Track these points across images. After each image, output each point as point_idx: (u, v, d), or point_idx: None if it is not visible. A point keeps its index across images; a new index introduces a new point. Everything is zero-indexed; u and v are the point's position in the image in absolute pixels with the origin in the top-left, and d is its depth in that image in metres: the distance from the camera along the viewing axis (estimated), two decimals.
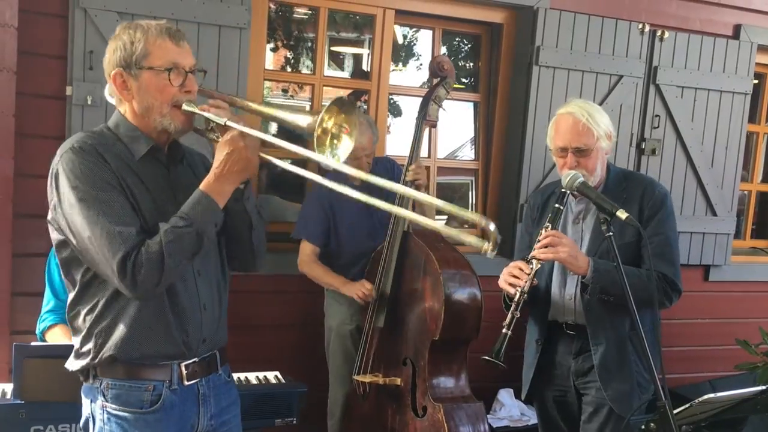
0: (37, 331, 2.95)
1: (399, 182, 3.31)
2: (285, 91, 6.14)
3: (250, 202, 1.97)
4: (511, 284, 2.50)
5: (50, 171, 1.83)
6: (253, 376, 3.15)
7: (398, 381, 3.09)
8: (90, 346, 1.86)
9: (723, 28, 4.36)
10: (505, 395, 3.95)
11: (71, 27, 3.15)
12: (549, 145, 2.68)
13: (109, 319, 1.84)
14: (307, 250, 3.40)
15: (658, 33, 4.14)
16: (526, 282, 2.44)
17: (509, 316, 2.46)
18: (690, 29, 4.27)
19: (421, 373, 3.03)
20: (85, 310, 1.87)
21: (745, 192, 4.82)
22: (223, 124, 1.82)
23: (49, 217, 1.86)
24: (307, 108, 4.31)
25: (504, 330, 2.45)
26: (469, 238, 1.58)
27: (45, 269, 2.97)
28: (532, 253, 2.48)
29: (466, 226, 4.45)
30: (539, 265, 2.48)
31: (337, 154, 1.82)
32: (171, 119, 1.87)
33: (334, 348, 3.46)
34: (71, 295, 1.90)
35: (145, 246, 1.73)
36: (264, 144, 1.88)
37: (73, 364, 1.93)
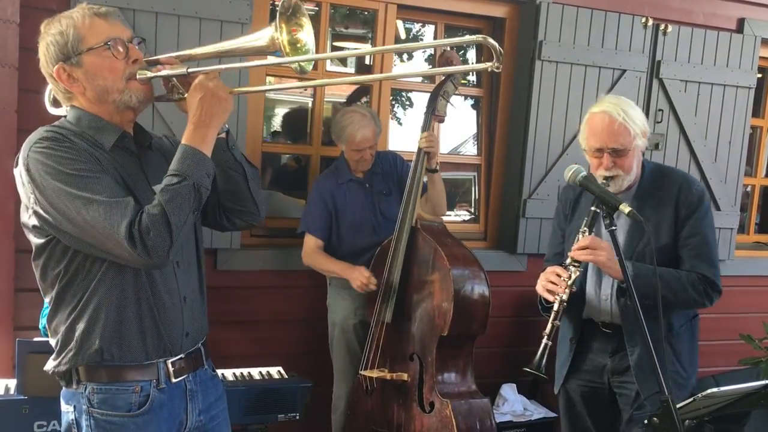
0: (40, 326, 2.96)
1: (404, 177, 3.31)
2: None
3: (236, 151, 1.92)
4: (549, 291, 2.45)
5: (18, 170, 1.74)
6: (256, 372, 3.16)
7: (405, 376, 3.09)
8: (71, 347, 1.79)
9: (726, 22, 4.34)
10: (508, 390, 3.95)
11: None
12: (582, 145, 2.61)
13: (91, 319, 1.77)
14: (311, 243, 3.40)
15: (662, 27, 4.12)
16: (565, 290, 2.39)
17: (549, 325, 2.41)
18: (693, 23, 4.25)
19: (428, 369, 3.03)
20: (65, 312, 1.80)
21: (749, 186, 4.81)
22: (185, 73, 1.77)
23: (25, 218, 1.77)
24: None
25: (544, 341, 2.40)
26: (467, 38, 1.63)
27: None
28: (570, 254, 2.43)
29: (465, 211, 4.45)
30: (578, 273, 2.42)
31: (303, 52, 1.77)
32: (130, 92, 1.79)
33: (337, 343, 3.46)
34: (48, 297, 1.82)
35: (145, 212, 1.66)
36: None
37: (51, 365, 1.85)
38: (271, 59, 1.81)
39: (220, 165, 1.89)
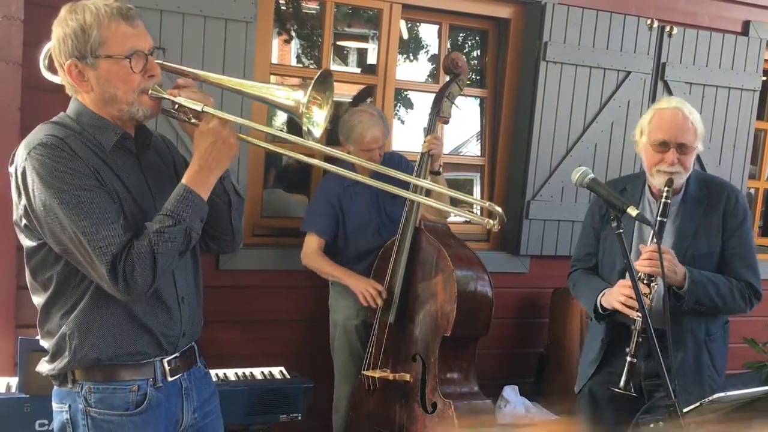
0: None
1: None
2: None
3: (227, 181, 1.91)
4: (629, 306, 2.42)
5: (14, 169, 1.72)
6: (258, 372, 3.15)
7: (408, 377, 3.08)
8: (67, 348, 1.76)
9: (732, 24, 4.33)
10: (510, 392, 3.94)
11: None
12: (640, 139, 2.57)
13: (87, 320, 1.74)
14: (312, 243, 3.38)
15: (667, 29, 4.11)
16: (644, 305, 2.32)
17: (632, 344, 2.39)
18: (698, 25, 4.24)
19: (431, 370, 3.02)
20: (60, 313, 1.77)
21: (753, 190, 4.80)
22: (200, 110, 1.76)
23: (17, 217, 1.74)
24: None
25: (628, 358, 2.38)
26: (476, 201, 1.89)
27: None
28: (637, 268, 2.39)
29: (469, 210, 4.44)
30: (655, 286, 2.40)
31: (316, 125, 1.78)
32: (139, 106, 1.77)
33: (339, 343, 3.44)
34: (43, 298, 1.79)
35: (133, 248, 1.65)
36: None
37: (45, 368, 1.82)
38: (286, 135, 1.85)
39: None
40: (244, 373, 3.13)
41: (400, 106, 5.47)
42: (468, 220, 4.46)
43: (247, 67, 3.38)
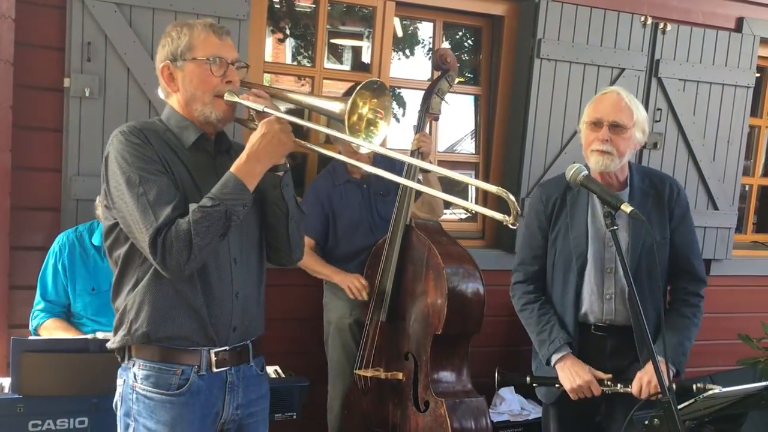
0: (30, 328, 2.95)
1: (400, 176, 3.29)
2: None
3: (287, 190, 2.01)
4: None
5: (103, 155, 1.93)
6: None
7: (400, 375, 3.08)
8: (125, 322, 1.92)
9: (725, 21, 4.34)
10: (506, 390, 3.94)
11: (69, 18, 3.12)
12: (579, 125, 2.60)
13: (144, 297, 1.89)
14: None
15: (660, 26, 4.11)
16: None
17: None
18: (692, 22, 4.24)
19: (423, 368, 3.01)
20: (126, 290, 1.93)
21: (747, 186, 4.81)
22: (261, 110, 1.89)
23: (99, 200, 1.97)
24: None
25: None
26: (484, 185, 1.71)
27: (42, 265, 2.96)
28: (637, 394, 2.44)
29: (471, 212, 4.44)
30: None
31: (372, 139, 1.87)
32: (213, 108, 1.94)
33: (333, 342, 3.44)
34: (115, 276, 1.97)
35: (175, 224, 1.79)
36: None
37: (112, 342, 1.99)
38: (343, 135, 1.86)
39: (268, 200, 2.01)
40: None
41: (394, 104, 5.46)
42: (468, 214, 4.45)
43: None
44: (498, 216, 1.66)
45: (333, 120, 1.87)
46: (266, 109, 1.89)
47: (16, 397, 2.48)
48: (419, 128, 3.25)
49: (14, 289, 3.15)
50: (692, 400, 2.03)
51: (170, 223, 1.79)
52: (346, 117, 1.78)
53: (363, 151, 1.89)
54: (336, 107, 1.82)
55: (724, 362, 4.41)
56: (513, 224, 1.66)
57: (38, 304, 2.95)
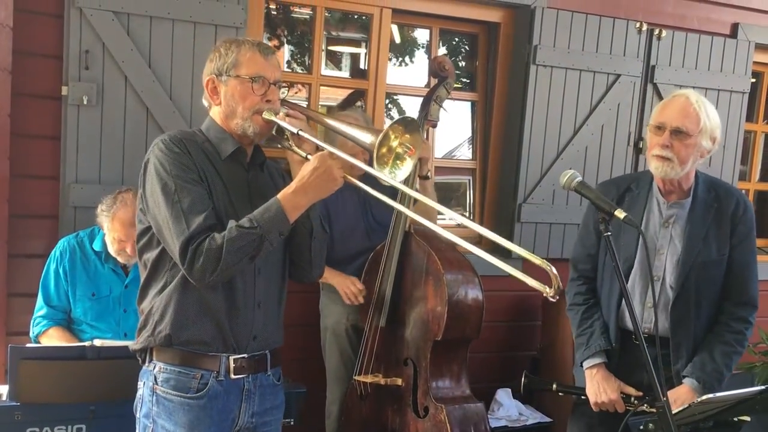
0: (31, 335, 2.95)
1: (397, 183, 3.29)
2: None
3: (313, 209, 2.04)
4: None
5: (143, 161, 2.00)
6: None
7: (399, 381, 3.07)
8: (150, 323, 1.98)
9: (721, 27, 4.36)
10: (503, 395, 3.94)
11: (66, 27, 3.13)
12: (646, 127, 2.54)
13: (170, 301, 1.95)
14: None
15: (656, 32, 4.13)
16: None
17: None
18: (687, 28, 4.26)
19: (422, 374, 3.02)
20: (152, 292, 1.99)
21: (744, 191, 4.82)
22: (295, 132, 1.96)
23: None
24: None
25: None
26: (530, 256, 1.66)
27: (42, 272, 2.96)
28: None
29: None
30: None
31: (396, 173, 1.90)
32: (251, 124, 2.01)
33: (330, 348, 3.44)
34: (142, 279, 2.03)
35: (211, 237, 1.85)
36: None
37: (134, 345, 2.04)
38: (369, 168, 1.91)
39: None
40: None
41: (392, 109, 5.48)
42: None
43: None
44: (537, 285, 1.60)
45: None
46: (301, 133, 1.96)
47: (13, 405, 2.49)
48: None
49: (12, 297, 3.16)
50: (686, 405, 2.03)
51: (202, 232, 1.85)
52: (375, 149, 1.82)
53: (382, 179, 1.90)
54: (367, 138, 1.87)
55: None
56: (553, 297, 1.61)
57: (40, 310, 2.94)
